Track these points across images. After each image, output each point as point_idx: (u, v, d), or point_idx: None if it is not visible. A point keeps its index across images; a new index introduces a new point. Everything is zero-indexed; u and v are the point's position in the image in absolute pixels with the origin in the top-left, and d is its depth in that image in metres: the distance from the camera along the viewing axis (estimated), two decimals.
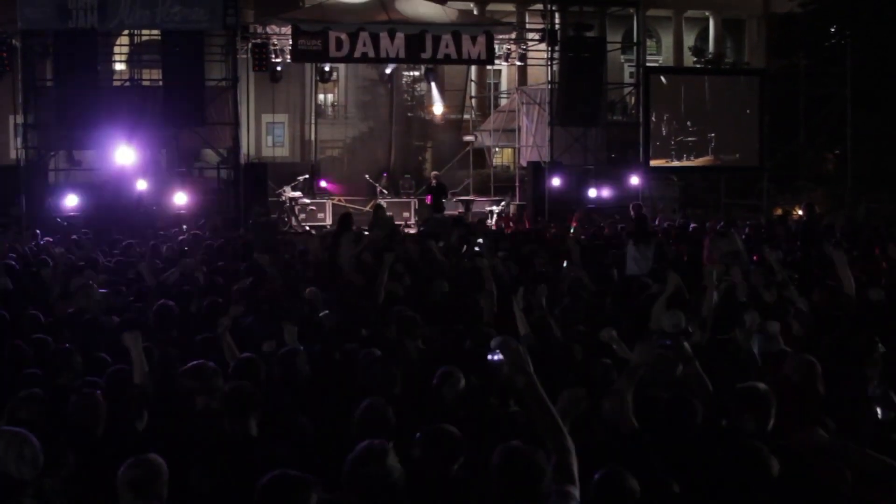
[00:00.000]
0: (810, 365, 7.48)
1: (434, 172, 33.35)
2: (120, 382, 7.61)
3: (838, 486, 5.57)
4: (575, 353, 8.47)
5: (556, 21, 31.87)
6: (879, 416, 7.43)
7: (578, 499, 4.87)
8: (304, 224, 29.93)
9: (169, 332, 9.97)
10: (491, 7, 51.97)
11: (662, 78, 33.29)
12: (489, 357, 5.34)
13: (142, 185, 27.47)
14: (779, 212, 32.51)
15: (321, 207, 31.87)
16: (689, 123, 32.43)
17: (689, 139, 32.45)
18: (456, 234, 18.42)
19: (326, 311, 10.58)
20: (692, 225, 24.30)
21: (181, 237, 21.27)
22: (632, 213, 22.85)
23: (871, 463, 5.86)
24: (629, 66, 43.73)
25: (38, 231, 22.68)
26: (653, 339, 7.01)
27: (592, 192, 30.81)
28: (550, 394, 5.15)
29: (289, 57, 30.30)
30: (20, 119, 28.33)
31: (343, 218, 18.19)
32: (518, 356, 5.17)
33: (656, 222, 25.17)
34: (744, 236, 20.41)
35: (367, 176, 35.41)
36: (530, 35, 32.68)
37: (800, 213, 28.84)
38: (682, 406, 6.84)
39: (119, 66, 37.60)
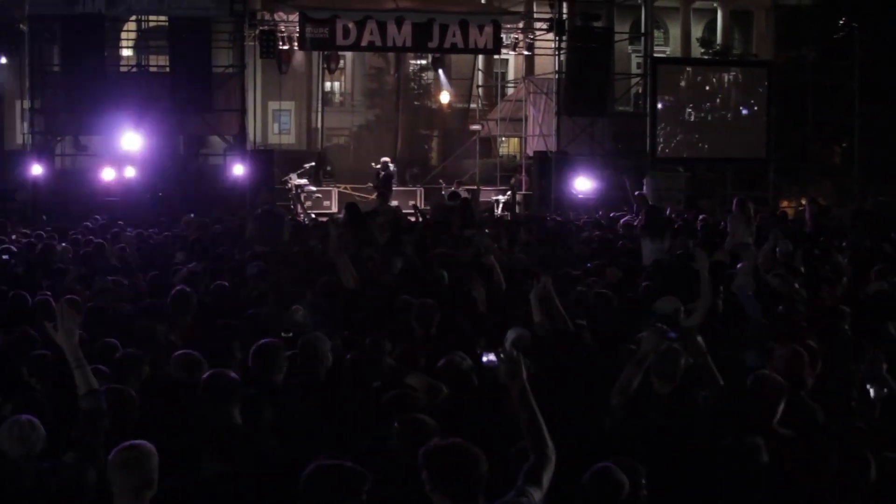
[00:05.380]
0: (798, 356, 7.54)
1: (384, 158, 32.46)
2: (128, 368, 7.64)
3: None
4: (586, 341, 8.49)
5: (564, 11, 31.78)
6: (872, 395, 7.52)
7: (537, 502, 4.94)
8: (309, 212, 29.89)
9: (184, 317, 9.94)
10: None
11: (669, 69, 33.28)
12: (483, 359, 5.39)
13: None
14: (785, 204, 32.45)
15: (327, 195, 31.85)
16: (696, 114, 32.38)
17: (696, 130, 32.41)
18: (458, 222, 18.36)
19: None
20: (701, 216, 24.20)
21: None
22: (636, 204, 22.80)
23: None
24: (637, 56, 43.56)
25: (44, 216, 22.74)
26: (660, 329, 6.97)
27: (597, 183, 30.72)
28: (562, 382, 5.17)
29: (296, 44, 30.28)
30: (27, 104, 28.36)
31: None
32: (514, 364, 5.22)
33: (667, 212, 25.05)
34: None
35: (373, 164, 35.39)
36: (538, 25, 32.67)
37: (803, 203, 28.76)
38: (683, 399, 6.88)
39: (126, 52, 37.58)
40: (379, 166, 31.22)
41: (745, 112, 32.75)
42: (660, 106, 32.01)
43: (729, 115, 32.66)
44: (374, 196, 29.22)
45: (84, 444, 6.09)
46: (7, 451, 6.02)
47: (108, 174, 27.13)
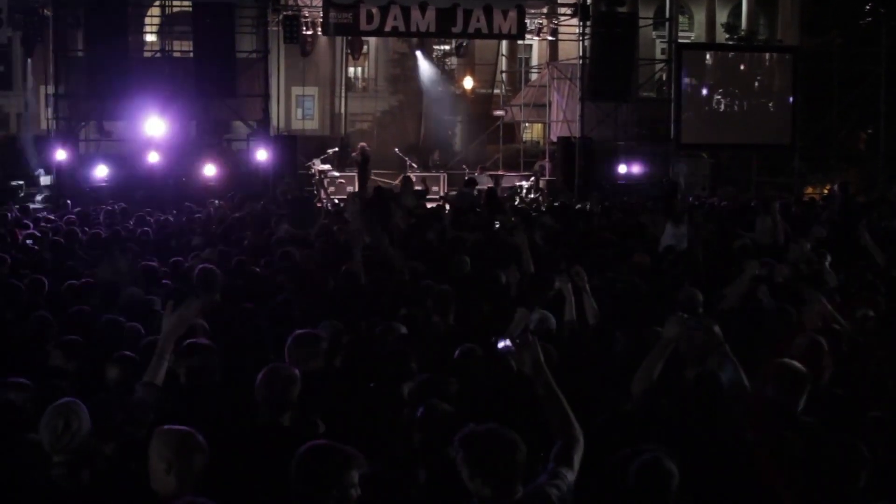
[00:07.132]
0: (816, 345, 7.50)
1: (361, 144, 32.26)
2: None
3: None
4: (611, 333, 8.43)
5: None
6: None
7: (570, 482, 4.93)
8: (333, 197, 29.89)
9: (213, 294, 9.88)
10: None
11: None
12: (498, 345, 5.33)
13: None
14: (809, 190, 32.26)
15: (350, 181, 31.85)
16: (720, 100, 32.24)
17: (721, 116, 32.26)
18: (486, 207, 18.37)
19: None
20: (723, 202, 24.12)
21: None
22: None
23: None
24: (661, 42, 43.43)
25: (69, 201, 22.79)
26: (681, 317, 6.90)
27: (622, 169, 30.76)
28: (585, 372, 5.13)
29: (319, 29, 30.24)
30: (51, 89, 28.42)
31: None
32: (531, 349, 5.17)
33: (690, 199, 25.00)
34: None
35: (396, 149, 35.34)
36: (562, 10, 32.50)
37: (826, 191, 28.58)
38: (709, 384, 6.82)
39: (150, 37, 37.62)
40: (356, 153, 31.16)
41: (770, 98, 32.59)
42: (684, 92, 31.88)
43: (754, 102, 32.49)
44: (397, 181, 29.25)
45: (126, 434, 5.93)
46: (43, 441, 5.74)
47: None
